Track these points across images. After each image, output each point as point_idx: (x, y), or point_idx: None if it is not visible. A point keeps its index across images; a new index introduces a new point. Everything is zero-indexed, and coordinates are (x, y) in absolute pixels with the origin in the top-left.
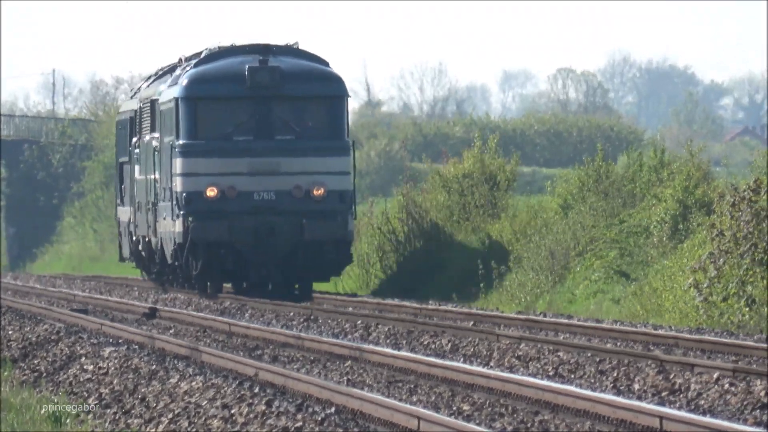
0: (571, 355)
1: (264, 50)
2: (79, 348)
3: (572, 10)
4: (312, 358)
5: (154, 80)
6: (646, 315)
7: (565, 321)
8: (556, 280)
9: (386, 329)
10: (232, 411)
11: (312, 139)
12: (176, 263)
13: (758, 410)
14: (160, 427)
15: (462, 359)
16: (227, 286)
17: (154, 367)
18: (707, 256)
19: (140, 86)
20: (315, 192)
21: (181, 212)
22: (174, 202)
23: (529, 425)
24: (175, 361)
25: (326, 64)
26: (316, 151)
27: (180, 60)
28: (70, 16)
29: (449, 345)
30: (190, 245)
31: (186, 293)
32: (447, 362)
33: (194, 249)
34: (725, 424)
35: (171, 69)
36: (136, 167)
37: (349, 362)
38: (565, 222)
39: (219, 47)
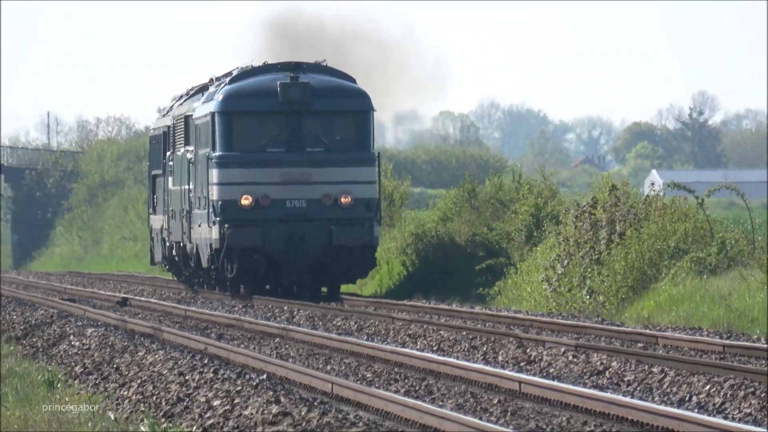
0: (450, 333)
1: (294, 67)
2: (68, 329)
3: (451, 63)
4: (249, 336)
5: (186, 99)
6: (508, 302)
7: (446, 307)
8: (439, 276)
9: (306, 313)
10: (187, 377)
11: (340, 150)
12: (212, 267)
13: (595, 376)
14: (131, 390)
15: (365, 337)
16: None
17: (125, 343)
18: (555, 257)
19: (172, 105)
20: (343, 200)
21: (218, 219)
22: (210, 210)
23: (417, 388)
24: (142, 339)
25: (353, 80)
26: (344, 162)
27: (211, 79)
28: (62, 68)
29: (355, 326)
30: (226, 251)
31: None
32: (354, 339)
33: (230, 254)
34: (570, 387)
35: (202, 88)
36: (170, 178)
37: (278, 339)
38: (445, 230)
39: (252, 65)
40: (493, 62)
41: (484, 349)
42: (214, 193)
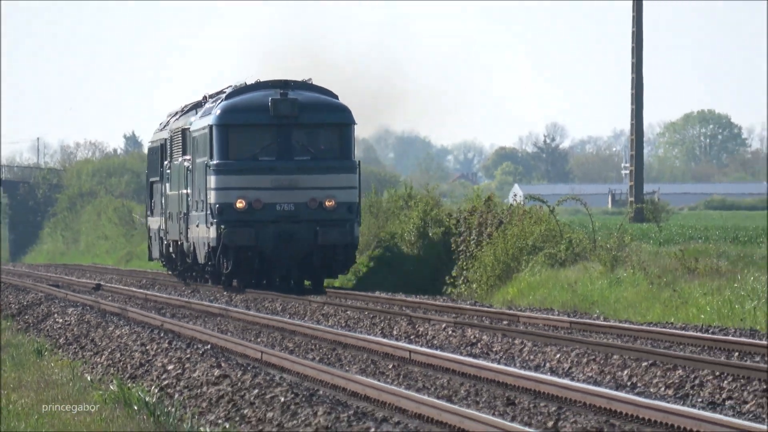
0: (355, 313)
1: (284, 85)
2: (53, 308)
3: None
4: (196, 315)
5: (181, 115)
6: (401, 289)
7: (352, 292)
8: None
9: (241, 297)
10: (147, 347)
11: (325, 159)
12: (209, 263)
13: (469, 347)
14: (103, 357)
15: (288, 316)
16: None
17: (99, 320)
18: (440, 251)
19: (168, 121)
20: (327, 203)
21: (215, 220)
22: (208, 212)
23: (329, 356)
24: (112, 316)
25: (336, 96)
26: (328, 170)
27: (204, 97)
28: (50, 101)
29: (280, 307)
30: (222, 248)
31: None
32: (279, 317)
33: (226, 251)
34: (449, 355)
35: (196, 105)
36: (167, 184)
37: (219, 318)
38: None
39: (245, 83)
40: (387, 98)
41: (382, 325)
42: (212, 196)
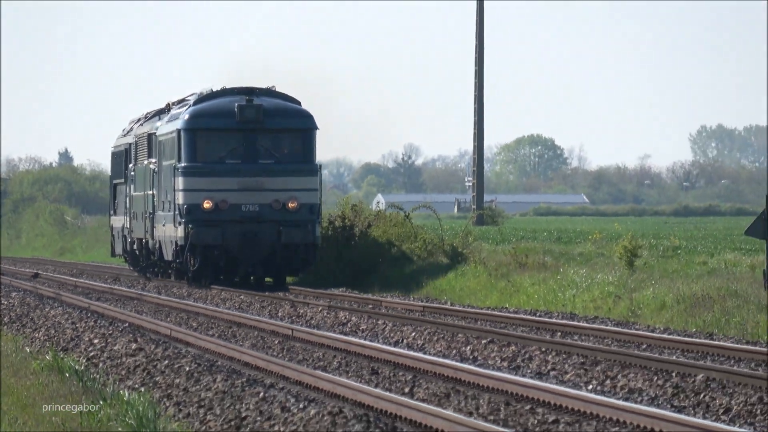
0: (248, 297)
1: (249, 92)
2: None
3: None
4: (117, 298)
5: (145, 121)
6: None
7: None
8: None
9: (154, 284)
10: (77, 325)
11: (288, 162)
12: (176, 260)
13: (341, 326)
14: (41, 333)
15: (193, 300)
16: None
17: (37, 303)
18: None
19: (132, 127)
20: (290, 205)
21: (183, 220)
22: (176, 212)
23: (226, 333)
24: (48, 300)
25: (299, 103)
26: (291, 173)
27: (167, 105)
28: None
29: (186, 293)
30: (189, 247)
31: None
32: (186, 301)
33: (193, 250)
34: (325, 333)
35: (159, 112)
36: (132, 186)
37: (136, 301)
38: None
39: (212, 90)
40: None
41: (269, 308)
42: (180, 197)
